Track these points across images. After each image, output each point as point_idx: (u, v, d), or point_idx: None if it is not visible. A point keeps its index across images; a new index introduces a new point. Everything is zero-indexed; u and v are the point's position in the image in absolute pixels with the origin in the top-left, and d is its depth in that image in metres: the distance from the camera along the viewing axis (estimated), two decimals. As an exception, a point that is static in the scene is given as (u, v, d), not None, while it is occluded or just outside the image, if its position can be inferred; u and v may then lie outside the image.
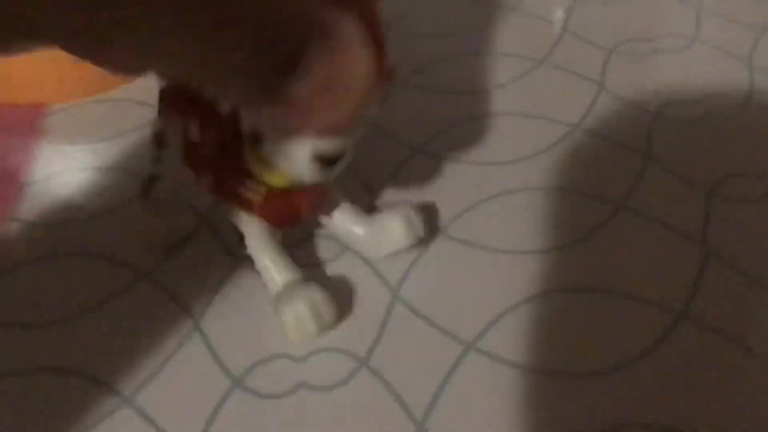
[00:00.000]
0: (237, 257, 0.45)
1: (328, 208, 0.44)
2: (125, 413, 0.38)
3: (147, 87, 0.59)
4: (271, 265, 0.41)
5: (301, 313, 0.39)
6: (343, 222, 0.44)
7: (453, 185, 0.49)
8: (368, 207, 0.48)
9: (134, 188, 0.47)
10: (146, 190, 0.45)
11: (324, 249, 0.45)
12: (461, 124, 0.54)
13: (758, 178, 0.47)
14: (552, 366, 0.38)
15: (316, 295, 0.40)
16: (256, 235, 0.41)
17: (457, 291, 0.42)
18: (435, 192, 0.49)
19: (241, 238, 0.41)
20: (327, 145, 0.33)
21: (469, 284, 0.43)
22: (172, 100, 0.41)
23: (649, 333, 0.39)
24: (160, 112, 0.42)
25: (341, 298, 0.42)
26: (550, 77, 0.57)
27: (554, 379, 0.38)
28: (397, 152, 0.52)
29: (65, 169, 0.52)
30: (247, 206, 0.40)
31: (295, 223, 0.42)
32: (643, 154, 0.50)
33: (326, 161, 0.34)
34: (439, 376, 0.38)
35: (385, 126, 0.54)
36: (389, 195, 0.49)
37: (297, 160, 0.34)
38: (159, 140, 0.43)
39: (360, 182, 0.49)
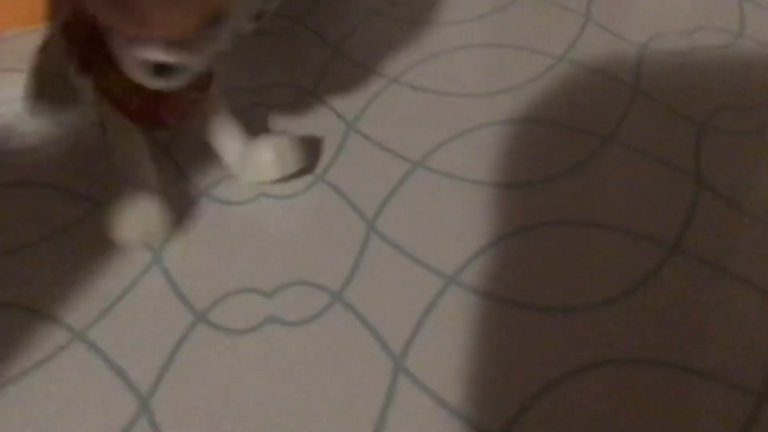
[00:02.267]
0: (198, 189, 0.42)
1: (200, 117, 0.41)
2: (77, 349, 0.35)
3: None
4: (126, 159, 0.39)
5: (147, 219, 0.38)
6: (221, 139, 0.42)
7: (432, 117, 0.46)
8: (341, 140, 0.45)
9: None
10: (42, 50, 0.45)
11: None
12: (439, 55, 0.51)
13: (749, 111, 0.45)
14: (538, 300, 0.36)
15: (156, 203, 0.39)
16: (113, 128, 0.39)
17: (438, 223, 0.40)
18: (413, 123, 0.46)
19: (103, 129, 0.40)
20: (156, 54, 0.33)
21: (451, 216, 0.40)
22: None
23: (640, 267, 0.37)
24: None
25: (316, 224, 0.39)
26: (533, 9, 0.54)
27: (540, 314, 0.35)
28: (371, 83, 0.49)
29: (15, 96, 0.48)
30: (109, 97, 0.38)
31: (156, 124, 0.40)
32: (630, 86, 0.47)
33: (159, 69, 0.34)
34: (419, 311, 0.36)
35: (359, 56, 0.51)
36: (363, 126, 0.45)
37: (128, 64, 0.34)
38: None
39: (332, 111, 0.46)
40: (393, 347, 0.34)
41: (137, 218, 0.37)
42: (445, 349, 0.34)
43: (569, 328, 0.35)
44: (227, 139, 0.42)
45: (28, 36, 0.54)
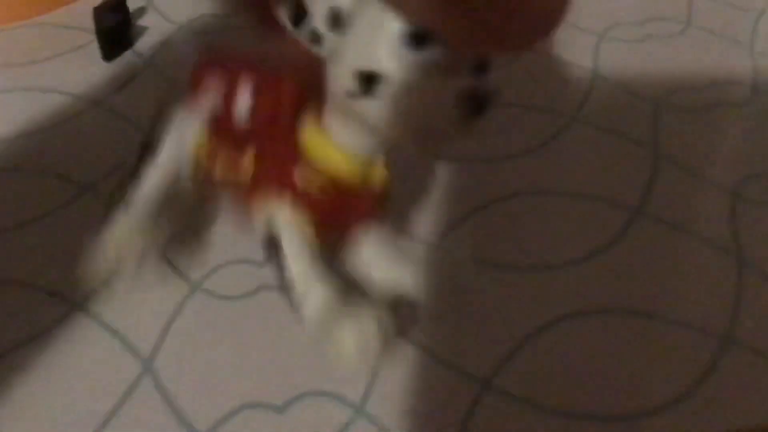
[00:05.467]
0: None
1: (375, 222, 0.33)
2: (79, 319, 0.36)
3: (74, 11, 0.56)
4: (312, 274, 0.31)
5: (368, 333, 0.31)
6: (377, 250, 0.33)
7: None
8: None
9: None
10: (119, 198, 0.36)
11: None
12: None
13: (700, 91, 0.49)
14: (510, 261, 0.38)
15: (380, 313, 0.31)
16: (296, 238, 0.31)
17: (415, 197, 0.42)
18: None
19: (272, 241, 0.32)
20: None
21: (418, 191, 0.42)
22: (212, 64, 0.32)
23: (607, 229, 0.40)
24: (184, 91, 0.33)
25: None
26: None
27: (512, 273, 0.38)
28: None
29: (1, 89, 0.49)
30: (298, 198, 0.31)
31: (344, 229, 0.33)
32: (591, 71, 0.51)
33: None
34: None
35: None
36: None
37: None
38: (146, 147, 0.34)
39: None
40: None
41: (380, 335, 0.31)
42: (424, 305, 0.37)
43: (539, 286, 0.37)
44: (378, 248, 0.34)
45: (8, 32, 0.54)
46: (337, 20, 0.26)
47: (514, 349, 0.35)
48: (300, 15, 0.26)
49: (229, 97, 0.31)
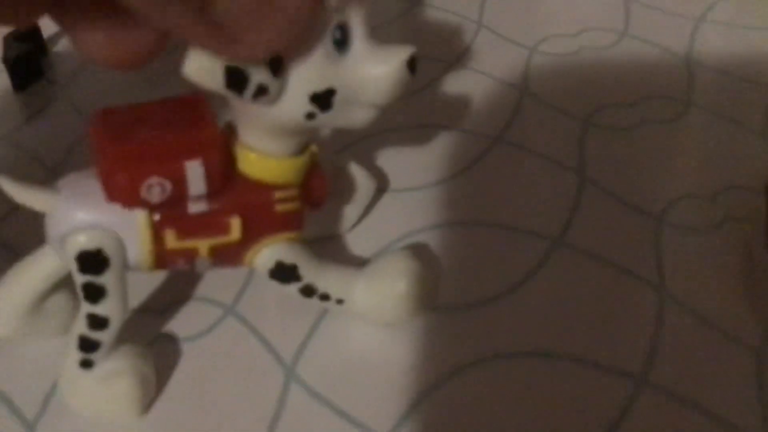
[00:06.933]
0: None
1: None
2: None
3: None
4: (336, 272, 0.34)
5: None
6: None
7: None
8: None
9: None
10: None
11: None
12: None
13: (630, 107, 0.47)
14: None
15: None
16: (309, 253, 0.33)
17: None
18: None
19: (291, 272, 0.33)
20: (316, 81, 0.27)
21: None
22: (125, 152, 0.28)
23: (526, 262, 0.38)
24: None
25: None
26: (428, 17, 0.56)
27: (434, 314, 0.36)
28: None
29: None
30: (293, 224, 0.32)
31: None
32: (520, 88, 0.49)
33: (320, 97, 0.27)
34: (310, 319, 0.36)
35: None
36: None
37: (291, 106, 0.27)
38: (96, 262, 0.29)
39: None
40: (285, 357, 0.35)
41: None
42: (334, 355, 0.35)
43: (454, 326, 0.36)
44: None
45: None
46: (278, 64, 0.26)
47: (419, 399, 0.33)
48: (240, 78, 0.25)
49: (178, 179, 0.28)
